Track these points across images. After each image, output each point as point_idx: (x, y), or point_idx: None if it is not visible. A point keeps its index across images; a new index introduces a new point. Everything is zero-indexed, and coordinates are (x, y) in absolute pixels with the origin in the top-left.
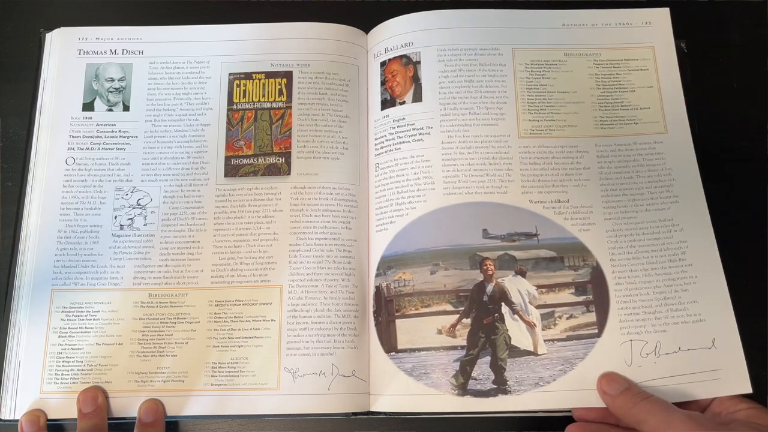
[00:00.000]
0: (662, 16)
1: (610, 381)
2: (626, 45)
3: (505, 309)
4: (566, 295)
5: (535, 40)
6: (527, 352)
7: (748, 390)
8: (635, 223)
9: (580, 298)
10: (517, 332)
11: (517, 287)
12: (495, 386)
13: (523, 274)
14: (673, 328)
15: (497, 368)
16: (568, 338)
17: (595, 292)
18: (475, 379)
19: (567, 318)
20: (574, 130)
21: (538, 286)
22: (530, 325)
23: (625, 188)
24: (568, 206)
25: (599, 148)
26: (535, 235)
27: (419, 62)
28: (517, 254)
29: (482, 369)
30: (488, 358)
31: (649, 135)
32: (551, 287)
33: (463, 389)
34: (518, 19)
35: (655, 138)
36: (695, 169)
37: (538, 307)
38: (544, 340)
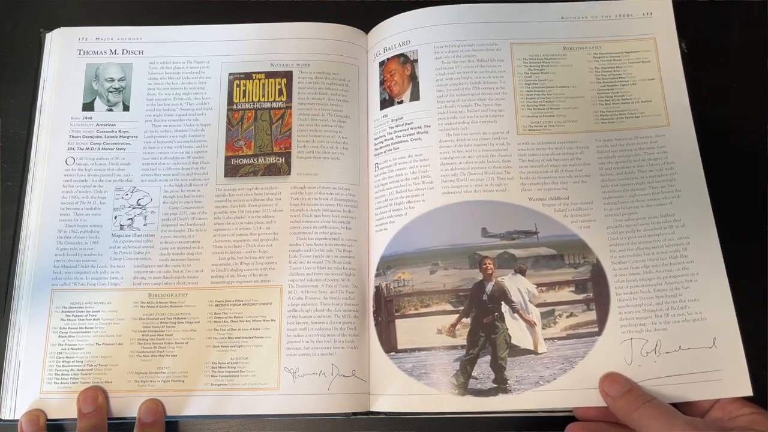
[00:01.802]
0: (664, 5)
1: (612, 382)
2: (627, 37)
3: (504, 308)
4: (566, 293)
5: (534, 35)
6: (527, 351)
7: (749, 393)
8: (636, 219)
9: (581, 296)
10: (517, 331)
11: (517, 286)
12: (495, 385)
13: (522, 272)
14: (674, 326)
15: (497, 367)
16: (569, 337)
17: (596, 290)
18: (476, 379)
19: (567, 316)
20: (574, 126)
21: (538, 285)
22: (530, 324)
23: (626, 184)
24: (568, 203)
25: (600, 143)
26: (535, 233)
27: (416, 60)
28: (517, 252)
29: (482, 368)
30: (488, 358)
31: (651, 129)
32: (551, 285)
33: (463, 389)
34: (516, 14)
35: (657, 132)
36: (698, 162)
37: (538, 305)
38: (544, 339)
